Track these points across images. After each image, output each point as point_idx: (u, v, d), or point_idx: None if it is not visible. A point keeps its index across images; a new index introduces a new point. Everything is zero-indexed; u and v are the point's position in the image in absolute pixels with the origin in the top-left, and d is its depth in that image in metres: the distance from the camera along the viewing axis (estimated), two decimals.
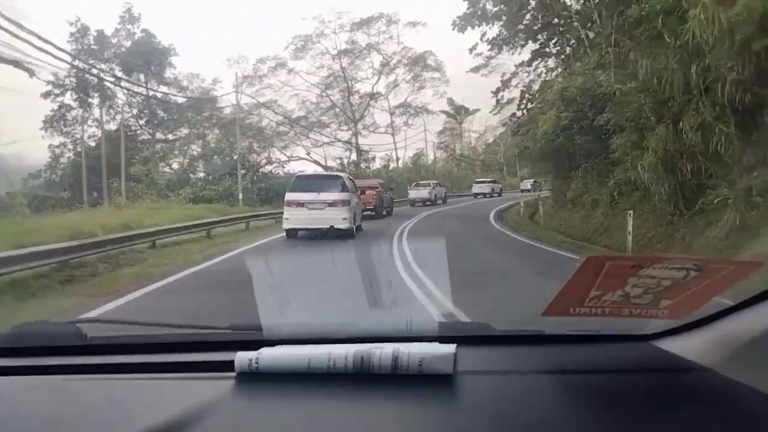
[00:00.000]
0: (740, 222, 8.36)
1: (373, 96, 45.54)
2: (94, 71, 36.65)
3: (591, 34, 20.00)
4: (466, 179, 51.17)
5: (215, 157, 34.97)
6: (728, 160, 8.86)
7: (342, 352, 1.21)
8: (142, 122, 40.54)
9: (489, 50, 28.22)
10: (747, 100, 8.20)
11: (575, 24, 20.95)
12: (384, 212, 22.70)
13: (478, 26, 26.26)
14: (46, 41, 20.11)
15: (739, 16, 7.56)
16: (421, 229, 17.18)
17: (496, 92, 28.92)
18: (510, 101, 31.17)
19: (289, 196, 13.92)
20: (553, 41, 25.10)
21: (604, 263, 1.06)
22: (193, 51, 72.70)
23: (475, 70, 31.44)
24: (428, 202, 31.23)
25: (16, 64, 22.69)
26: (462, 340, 1.35)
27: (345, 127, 44.95)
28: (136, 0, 39.60)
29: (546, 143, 18.24)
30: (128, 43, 39.21)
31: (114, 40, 39.19)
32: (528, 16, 25.13)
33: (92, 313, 5.46)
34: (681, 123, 10.63)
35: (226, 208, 25.91)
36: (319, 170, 35.88)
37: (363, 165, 42.05)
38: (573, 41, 22.57)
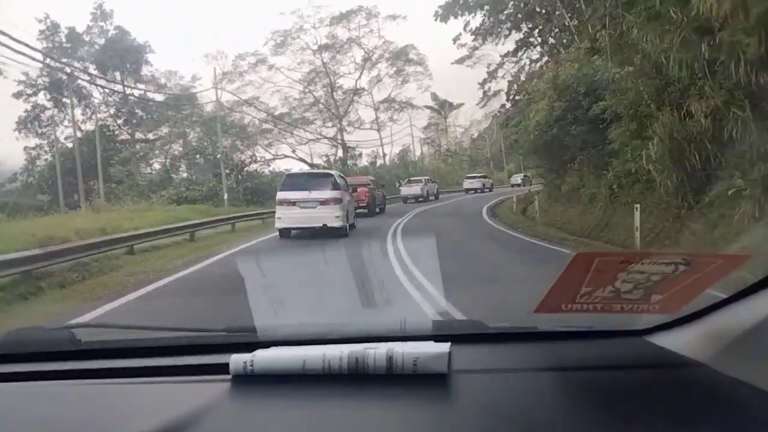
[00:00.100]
0: (759, 214, 7.82)
1: (357, 91, 45.20)
2: (68, 70, 35.57)
3: (575, 22, 19.58)
4: (453, 175, 50.92)
5: (198, 156, 34.14)
6: (745, 148, 8.30)
7: (336, 353, 1.20)
8: (120, 122, 39.49)
9: (473, 40, 27.94)
10: (764, 81, 7.63)
11: (560, 11, 20.47)
12: (377, 210, 22.48)
13: (461, 15, 25.85)
14: (14, 39, 19.11)
15: None
16: (416, 226, 16.77)
17: (482, 83, 28.60)
18: (496, 93, 30.81)
19: (281, 194, 13.74)
20: (537, 30, 24.70)
21: (593, 259, 1.07)
22: (169, 48, 71.60)
23: (460, 61, 31.10)
24: (420, 199, 31.06)
25: None
26: (456, 339, 1.35)
27: (330, 124, 44.54)
28: None
29: (538, 135, 17.66)
30: (102, 41, 38.40)
31: (87, 38, 38.42)
32: (511, 4, 24.68)
33: None
34: (685, 109, 10.12)
35: (210, 208, 25.23)
36: (305, 168, 35.31)
37: (350, 162, 41.40)
38: (556, 30, 22.16)
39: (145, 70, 39.43)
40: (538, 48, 25.64)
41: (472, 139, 63.48)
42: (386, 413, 1.11)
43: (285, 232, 13.63)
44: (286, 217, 13.45)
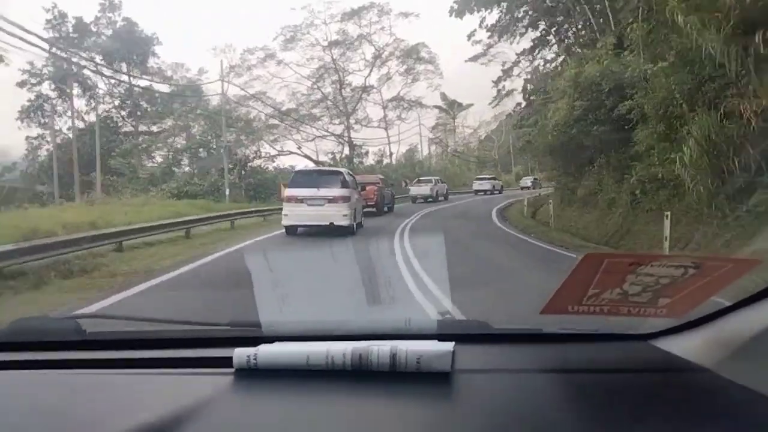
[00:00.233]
0: None
1: (366, 89, 44.35)
2: (74, 60, 35.02)
3: (600, 19, 18.77)
4: (461, 176, 50.29)
5: (201, 150, 33.45)
6: None
7: (340, 349, 1.20)
8: (124, 113, 38.87)
9: (488, 38, 26.98)
10: None
11: (581, 7, 19.58)
12: (385, 209, 22.30)
13: (477, 11, 25.00)
14: (21, 27, 18.43)
15: None
16: (424, 226, 16.31)
17: (497, 81, 27.75)
18: (510, 92, 29.94)
19: (289, 191, 13.62)
20: (554, 29, 23.85)
21: (602, 260, 1.06)
22: (177, 40, 70.47)
23: (474, 59, 30.19)
24: (430, 199, 30.48)
25: None
26: (460, 338, 1.34)
27: (337, 121, 43.73)
28: None
29: (557, 136, 16.78)
30: (109, 32, 37.88)
31: (94, 29, 37.87)
32: (528, 1, 23.83)
33: None
34: (722, 109, 9.28)
35: (211, 204, 24.50)
36: (311, 165, 34.67)
37: (356, 160, 40.62)
38: (576, 27, 21.29)
39: (152, 62, 38.91)
40: (555, 47, 24.84)
41: (480, 140, 62.86)
42: (389, 410, 1.11)
43: (291, 230, 13.45)
44: (293, 214, 13.26)
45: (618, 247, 12.27)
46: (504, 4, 24.73)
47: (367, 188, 19.75)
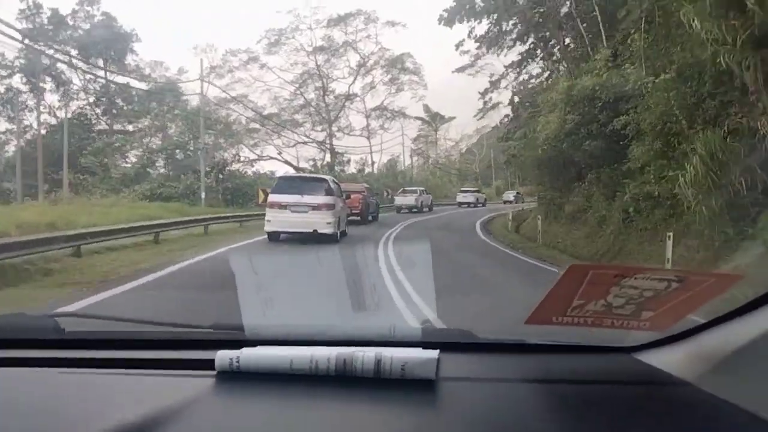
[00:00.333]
0: None
1: (349, 97, 43.89)
2: (48, 53, 33.76)
3: (588, 35, 18.53)
4: (442, 188, 49.98)
5: (177, 151, 32.39)
6: None
7: (325, 354, 1.18)
8: (98, 111, 37.59)
9: (477, 48, 26.63)
10: None
11: (573, 22, 19.31)
12: (369, 218, 22.08)
13: (467, 21, 24.64)
14: None
15: None
16: (408, 236, 16.05)
17: (483, 93, 27.33)
18: (495, 105, 29.66)
19: (272, 197, 13.51)
20: (542, 44, 23.62)
21: (587, 271, 1.06)
22: (157, 38, 69.42)
23: (461, 69, 29.90)
24: (414, 209, 30.14)
25: None
26: (445, 347, 1.33)
27: (319, 128, 43.16)
28: None
29: (546, 149, 16.31)
30: (86, 26, 36.87)
31: (71, 21, 36.76)
32: (518, 13, 23.55)
33: None
34: (726, 126, 8.86)
35: (185, 207, 23.59)
36: (291, 171, 33.87)
37: (337, 168, 39.91)
38: (564, 42, 21.03)
39: (130, 59, 38.02)
40: (541, 62, 24.63)
41: (461, 153, 62.89)
42: (372, 416, 1.10)
43: (274, 236, 13.22)
44: (275, 221, 13.05)
45: None
46: (494, 16, 24.46)
47: (352, 196, 19.57)
